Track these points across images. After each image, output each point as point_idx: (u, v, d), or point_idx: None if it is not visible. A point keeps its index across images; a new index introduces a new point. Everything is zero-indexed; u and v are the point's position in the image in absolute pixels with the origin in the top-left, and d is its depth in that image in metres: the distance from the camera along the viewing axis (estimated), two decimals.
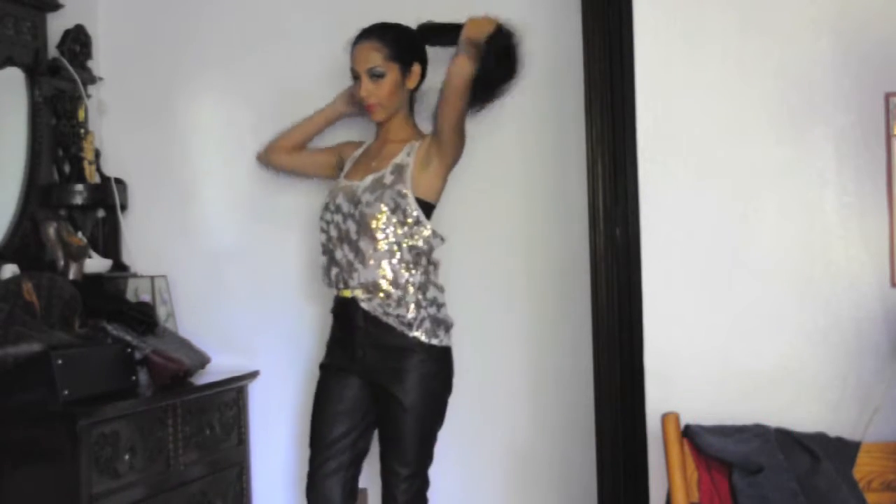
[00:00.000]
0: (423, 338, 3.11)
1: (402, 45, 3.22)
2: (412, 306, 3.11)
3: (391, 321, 3.11)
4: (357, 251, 3.14)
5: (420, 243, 3.13)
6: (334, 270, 3.20)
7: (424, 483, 3.19)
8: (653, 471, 2.71)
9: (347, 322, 3.18)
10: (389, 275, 3.11)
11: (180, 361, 3.31)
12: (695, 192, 2.73)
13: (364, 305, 3.14)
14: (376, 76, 3.19)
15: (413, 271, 3.13)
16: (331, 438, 3.19)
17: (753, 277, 2.70)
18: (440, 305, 3.18)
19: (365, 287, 3.13)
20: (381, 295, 3.12)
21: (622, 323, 3.20)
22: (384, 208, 3.11)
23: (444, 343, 3.16)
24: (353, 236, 3.16)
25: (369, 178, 3.19)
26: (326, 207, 3.25)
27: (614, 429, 3.23)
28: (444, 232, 3.26)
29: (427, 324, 3.12)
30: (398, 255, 3.12)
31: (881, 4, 2.66)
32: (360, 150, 3.39)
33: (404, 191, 3.13)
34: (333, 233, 3.21)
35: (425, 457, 3.16)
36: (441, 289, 3.22)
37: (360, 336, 3.15)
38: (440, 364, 3.15)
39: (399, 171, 3.16)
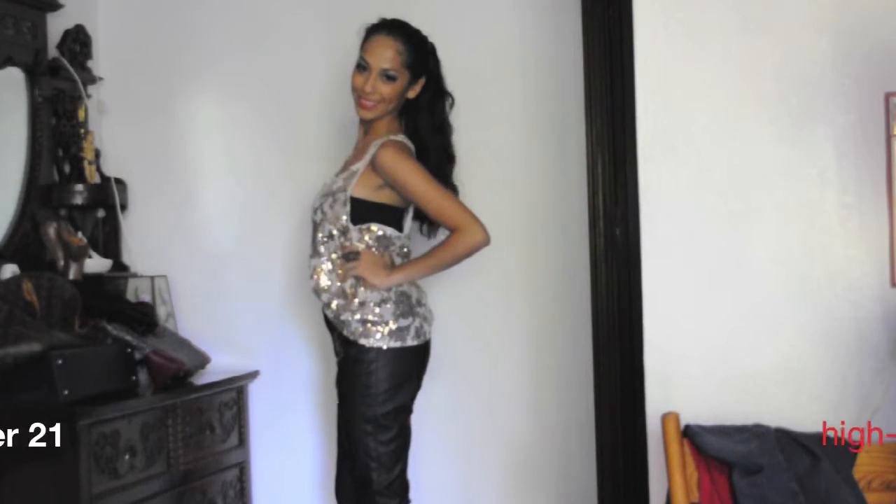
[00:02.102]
0: (352, 338, 3.03)
1: (420, 55, 3.13)
2: (345, 310, 3.04)
3: (336, 322, 3.08)
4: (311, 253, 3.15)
5: (361, 245, 3.05)
6: None
7: (367, 494, 3.05)
8: (653, 471, 2.71)
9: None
10: (324, 281, 3.07)
11: (180, 361, 3.31)
12: (695, 192, 2.73)
13: (323, 308, 3.14)
14: (389, 78, 3.07)
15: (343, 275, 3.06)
16: None
17: (753, 278, 2.70)
18: (375, 305, 3.03)
19: (314, 290, 3.12)
20: (323, 298, 3.09)
21: (622, 323, 3.20)
22: (327, 212, 3.07)
23: (377, 344, 3.01)
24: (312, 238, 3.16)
25: (328, 181, 3.15)
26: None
27: (614, 429, 3.23)
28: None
29: (356, 325, 3.02)
30: (331, 259, 3.07)
31: (881, 5, 2.66)
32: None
33: (346, 194, 3.05)
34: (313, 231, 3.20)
35: (360, 463, 3.04)
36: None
37: (332, 337, 3.18)
38: (371, 365, 3.01)
39: (352, 175, 3.08)
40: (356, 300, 3.03)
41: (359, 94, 3.10)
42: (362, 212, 3.06)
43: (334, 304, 3.06)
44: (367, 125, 3.18)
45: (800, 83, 2.68)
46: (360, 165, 3.08)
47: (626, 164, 2.90)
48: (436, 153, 3.17)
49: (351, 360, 3.04)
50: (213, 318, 3.82)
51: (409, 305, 3.07)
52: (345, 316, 3.04)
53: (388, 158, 3.03)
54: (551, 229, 3.61)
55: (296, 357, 3.78)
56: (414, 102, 3.17)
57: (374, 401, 3.00)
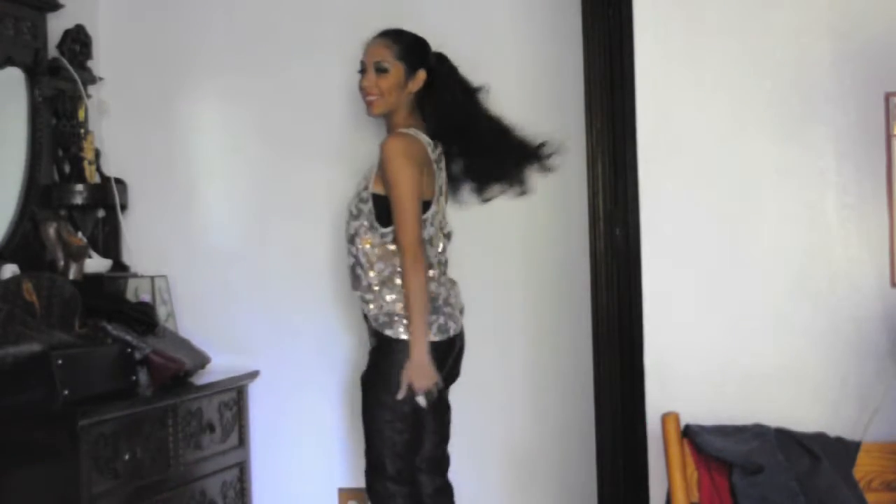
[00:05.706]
0: (375, 326, 3.12)
1: (413, 49, 3.22)
2: (372, 304, 3.14)
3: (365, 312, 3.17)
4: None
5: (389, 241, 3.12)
6: None
7: (379, 479, 3.12)
8: (653, 471, 2.71)
9: None
10: (362, 278, 3.15)
11: (180, 361, 3.31)
12: (695, 192, 2.72)
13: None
14: (381, 70, 3.17)
15: (375, 270, 3.13)
16: None
17: (753, 277, 2.70)
18: (400, 299, 3.11)
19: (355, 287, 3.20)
20: (359, 294, 3.17)
21: (622, 323, 3.20)
22: (354, 212, 3.15)
23: (399, 336, 3.08)
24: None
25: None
26: None
27: (614, 429, 3.23)
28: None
29: (382, 318, 3.10)
30: (362, 257, 3.14)
31: (881, 5, 2.66)
32: None
33: (367, 192, 3.14)
34: None
35: (375, 449, 3.11)
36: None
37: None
38: (392, 355, 3.08)
39: (369, 172, 3.17)
40: (385, 294, 3.11)
41: (363, 94, 3.20)
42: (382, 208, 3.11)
43: (365, 295, 3.15)
44: (387, 124, 3.25)
45: (800, 83, 2.68)
46: (374, 162, 3.15)
47: (626, 164, 2.90)
48: (449, 139, 3.25)
49: (376, 349, 3.14)
50: (213, 318, 3.82)
51: (434, 305, 3.13)
52: (371, 309, 3.12)
53: (386, 149, 3.10)
54: (551, 229, 3.61)
55: (296, 357, 3.78)
56: (428, 99, 3.23)
57: (394, 389, 3.05)
